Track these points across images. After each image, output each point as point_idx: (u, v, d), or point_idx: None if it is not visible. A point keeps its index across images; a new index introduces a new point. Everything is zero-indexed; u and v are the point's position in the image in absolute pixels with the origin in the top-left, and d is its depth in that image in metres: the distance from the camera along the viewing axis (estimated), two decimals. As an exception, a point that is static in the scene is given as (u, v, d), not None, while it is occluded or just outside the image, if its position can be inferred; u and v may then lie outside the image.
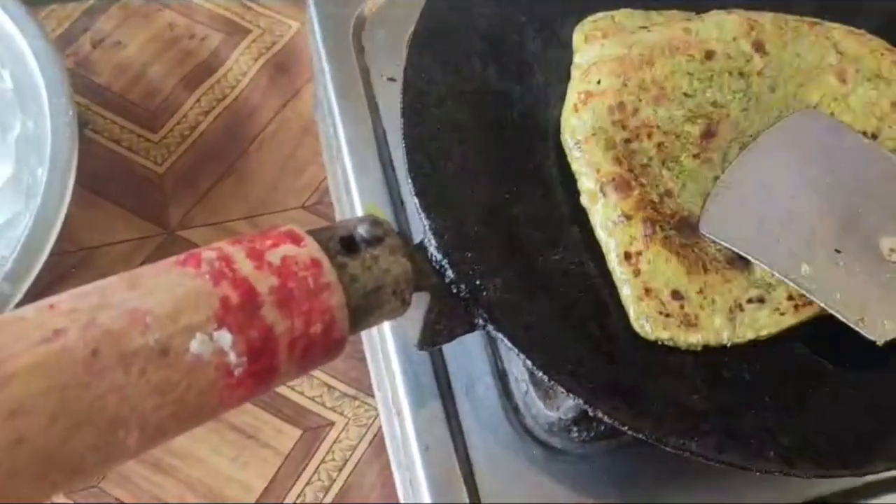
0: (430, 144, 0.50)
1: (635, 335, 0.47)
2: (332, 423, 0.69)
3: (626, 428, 0.44)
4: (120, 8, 0.87)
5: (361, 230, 0.35)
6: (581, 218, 0.50)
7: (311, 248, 0.33)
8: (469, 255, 0.47)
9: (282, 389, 0.70)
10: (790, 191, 0.49)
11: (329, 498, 0.66)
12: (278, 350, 0.31)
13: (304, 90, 0.84)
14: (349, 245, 0.35)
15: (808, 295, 0.46)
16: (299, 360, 0.32)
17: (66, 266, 0.74)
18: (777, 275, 0.47)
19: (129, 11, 0.87)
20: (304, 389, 0.70)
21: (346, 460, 0.68)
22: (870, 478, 0.48)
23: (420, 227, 0.48)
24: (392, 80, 0.61)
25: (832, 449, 0.44)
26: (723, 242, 0.48)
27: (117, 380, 0.27)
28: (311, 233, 0.34)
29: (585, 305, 0.48)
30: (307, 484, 0.67)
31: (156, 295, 0.29)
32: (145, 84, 0.84)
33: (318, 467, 0.67)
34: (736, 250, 0.48)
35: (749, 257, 0.47)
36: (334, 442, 0.68)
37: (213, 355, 0.29)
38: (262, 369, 0.31)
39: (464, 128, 0.51)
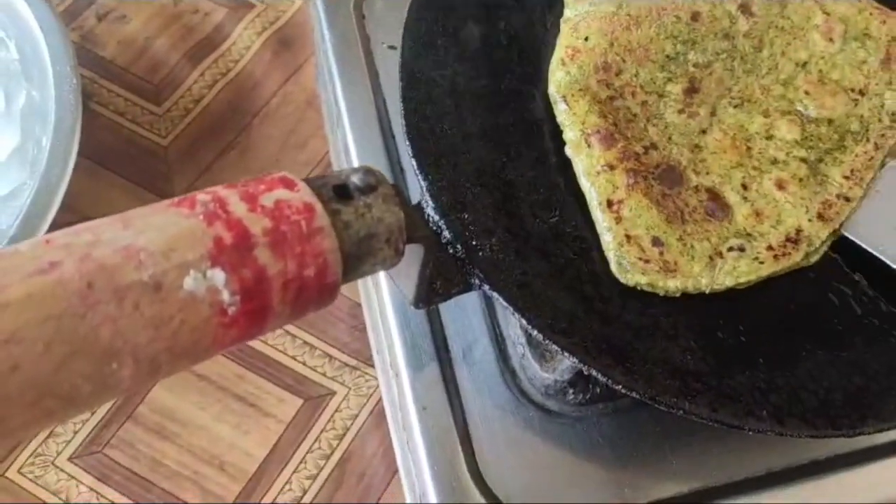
0: (427, 108, 0.50)
1: (629, 295, 0.48)
2: (333, 393, 0.69)
3: (620, 386, 0.44)
4: (125, -18, 0.88)
5: (355, 178, 0.35)
6: (575, 182, 0.51)
7: (304, 193, 0.33)
8: (465, 216, 0.47)
9: (284, 359, 0.70)
10: None
11: (329, 466, 0.67)
12: (271, 291, 0.32)
13: (308, 65, 0.84)
14: (343, 192, 0.35)
15: None
16: (293, 303, 0.33)
17: (70, 236, 0.74)
18: None
19: (134, -15, 0.88)
20: (305, 360, 0.71)
21: (347, 429, 0.68)
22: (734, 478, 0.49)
23: (418, 191, 0.48)
24: (392, 48, 0.61)
25: (824, 409, 0.45)
26: (870, 249, 0.49)
27: (111, 312, 0.28)
28: (306, 180, 0.35)
29: (579, 267, 0.48)
30: (308, 452, 0.67)
31: (149, 233, 0.30)
32: (149, 58, 0.84)
33: (318, 436, 0.68)
34: (884, 259, 0.48)
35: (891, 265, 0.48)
36: (335, 411, 0.69)
37: (207, 293, 0.30)
38: (255, 309, 0.31)
39: (461, 92, 0.51)
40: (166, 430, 0.67)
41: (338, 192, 0.35)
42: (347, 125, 0.59)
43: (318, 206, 0.33)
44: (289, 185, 0.33)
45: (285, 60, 0.85)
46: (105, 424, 0.66)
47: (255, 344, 0.70)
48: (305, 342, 0.71)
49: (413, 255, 0.42)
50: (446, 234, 0.46)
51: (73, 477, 0.65)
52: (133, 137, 0.80)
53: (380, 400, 0.68)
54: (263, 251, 0.31)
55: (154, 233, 0.30)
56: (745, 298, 0.48)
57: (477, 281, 0.46)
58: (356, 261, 0.35)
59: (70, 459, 0.65)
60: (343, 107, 0.60)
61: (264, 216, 0.32)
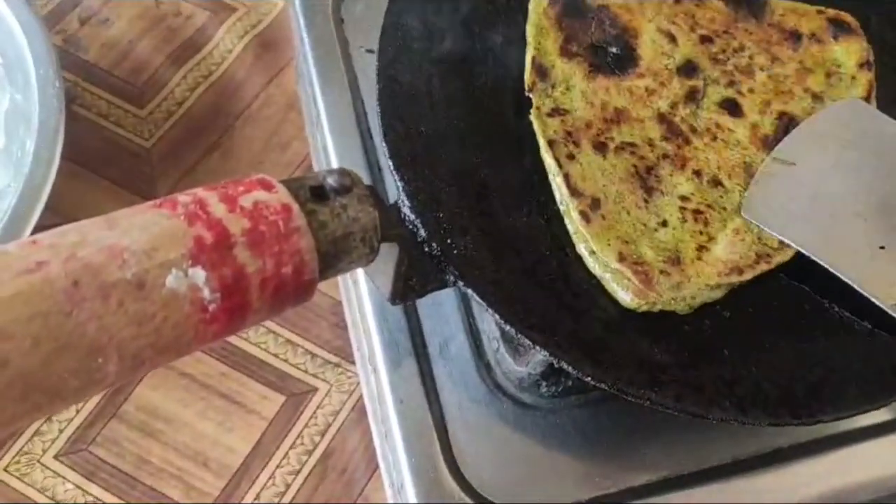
0: (403, 110, 0.52)
1: (599, 291, 0.49)
2: (315, 390, 0.71)
3: (589, 378, 0.46)
4: (108, -14, 0.89)
5: (331, 180, 0.37)
6: (548, 182, 0.52)
7: (281, 195, 0.35)
8: (440, 214, 0.49)
9: (267, 357, 0.72)
10: (832, 178, 0.50)
11: (312, 461, 0.68)
12: (250, 288, 0.33)
13: (289, 67, 0.85)
14: (319, 193, 0.37)
15: (849, 281, 0.46)
16: (271, 299, 0.34)
17: (54, 237, 0.75)
18: (817, 260, 0.47)
19: (117, -11, 0.89)
20: (288, 357, 0.72)
21: (329, 425, 0.70)
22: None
23: (395, 191, 0.50)
24: (370, 51, 0.62)
25: (784, 399, 0.47)
26: (766, 229, 0.50)
27: (96, 309, 0.29)
28: (283, 182, 0.36)
29: (551, 263, 0.50)
30: (291, 448, 0.69)
31: (132, 233, 0.31)
32: (132, 61, 0.85)
33: (301, 432, 0.69)
34: (778, 237, 0.49)
35: (792, 245, 0.49)
36: (317, 407, 0.70)
37: (188, 290, 0.31)
38: (235, 306, 0.33)
39: (436, 94, 0.53)
40: (151, 428, 0.68)
41: (314, 194, 0.36)
42: (326, 127, 0.61)
43: (295, 207, 0.35)
44: (267, 186, 0.35)
45: (267, 63, 0.86)
46: (90, 423, 0.67)
47: (238, 342, 0.72)
48: (288, 340, 0.72)
49: (388, 253, 0.44)
50: (422, 232, 0.48)
51: (58, 475, 0.66)
52: (116, 140, 0.81)
53: (361, 396, 0.70)
54: (242, 250, 0.33)
55: (137, 233, 0.31)
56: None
57: (452, 278, 0.47)
58: (333, 259, 0.37)
59: (56, 457, 0.66)
60: (322, 109, 0.61)
61: (243, 217, 0.33)
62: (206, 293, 0.32)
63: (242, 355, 0.71)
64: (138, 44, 0.86)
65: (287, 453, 0.68)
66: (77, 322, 0.29)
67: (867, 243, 0.46)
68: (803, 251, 0.48)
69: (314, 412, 0.70)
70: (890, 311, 0.45)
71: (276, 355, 0.72)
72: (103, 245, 0.30)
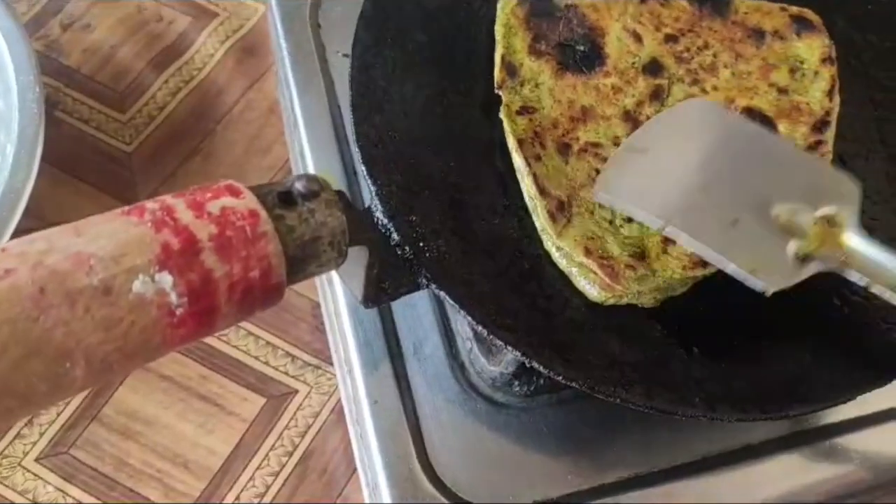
0: (376, 116, 0.53)
1: (571, 292, 0.50)
2: (295, 391, 0.71)
3: (560, 378, 0.46)
4: (90, -9, 0.89)
5: (299, 185, 0.38)
6: (519, 186, 0.53)
7: (248, 200, 0.35)
8: (413, 218, 0.50)
9: (247, 359, 0.72)
10: (683, 162, 0.51)
11: (292, 462, 0.69)
12: (218, 292, 0.34)
13: (270, 72, 0.86)
14: (287, 199, 0.37)
15: (702, 253, 0.48)
16: (239, 303, 0.35)
17: (35, 242, 0.76)
18: (672, 234, 0.48)
19: (99, -6, 0.89)
20: (268, 359, 0.73)
21: (309, 426, 0.70)
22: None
23: (369, 196, 0.50)
24: (347, 56, 0.63)
25: (753, 395, 0.47)
26: (620, 206, 0.50)
27: (63, 315, 0.30)
28: (251, 188, 0.37)
29: (523, 264, 0.51)
30: (271, 449, 0.69)
31: (100, 240, 0.32)
32: (114, 66, 0.86)
33: (281, 433, 0.70)
34: (632, 212, 0.50)
35: (646, 218, 0.49)
36: (297, 409, 0.71)
37: (155, 295, 0.32)
38: (202, 310, 0.33)
39: (408, 99, 0.54)
40: (131, 431, 0.68)
41: (282, 199, 0.37)
42: (303, 131, 0.61)
43: (263, 213, 0.35)
44: (234, 192, 0.36)
45: (248, 68, 0.87)
46: (71, 425, 0.68)
47: (218, 344, 0.72)
48: (268, 342, 0.73)
49: (360, 257, 0.44)
50: (395, 236, 0.49)
51: (39, 477, 0.66)
52: (98, 144, 0.82)
53: (341, 398, 0.70)
54: (209, 255, 0.33)
55: (105, 240, 0.32)
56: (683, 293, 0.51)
57: (424, 281, 0.48)
58: (301, 263, 0.37)
59: (37, 460, 0.67)
60: (299, 113, 0.62)
61: (210, 222, 0.34)
62: (174, 298, 0.32)
63: (222, 357, 0.72)
64: (120, 49, 0.86)
65: (267, 455, 0.69)
66: (44, 328, 0.29)
67: (721, 218, 0.48)
68: (660, 222, 0.48)
69: (294, 414, 0.71)
70: (745, 277, 0.46)
71: (256, 357, 0.73)
72: (70, 252, 0.31)
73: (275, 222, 0.36)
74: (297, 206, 0.37)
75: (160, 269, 0.32)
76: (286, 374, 0.72)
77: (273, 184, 0.38)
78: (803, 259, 0.47)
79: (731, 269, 0.46)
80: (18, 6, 0.87)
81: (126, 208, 0.34)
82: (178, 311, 0.33)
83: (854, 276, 0.46)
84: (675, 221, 0.47)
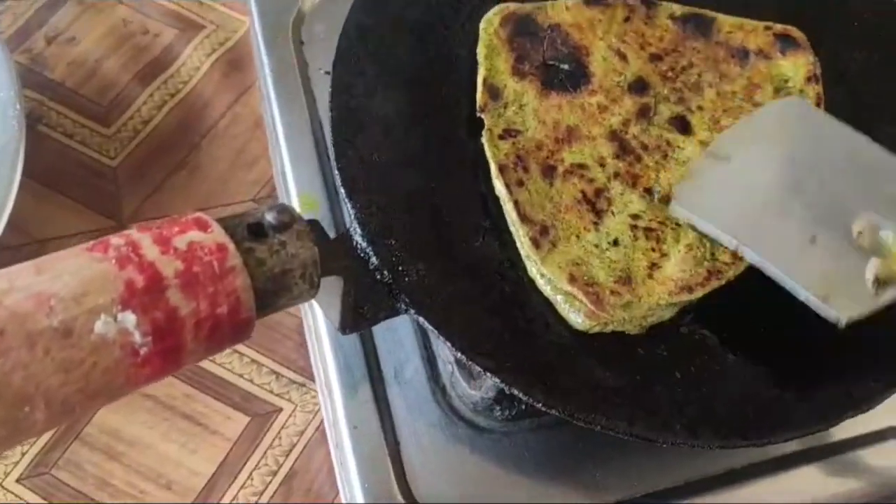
0: (357, 137, 0.52)
1: (552, 315, 0.50)
2: (279, 410, 0.71)
3: (540, 405, 0.46)
4: (75, 4, 0.88)
5: (269, 217, 0.37)
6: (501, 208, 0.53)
7: (216, 234, 0.35)
8: (393, 242, 0.49)
9: (231, 377, 0.72)
10: (765, 172, 0.49)
11: (276, 482, 0.68)
12: (184, 330, 0.33)
13: (256, 86, 0.85)
14: (257, 231, 0.37)
15: (774, 276, 0.45)
16: (206, 340, 0.34)
17: (18, 259, 0.74)
18: (747, 251, 0.46)
19: (84, 7, 0.88)
20: (252, 377, 0.72)
21: (294, 445, 0.70)
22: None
23: (348, 218, 0.50)
24: (329, 73, 0.62)
25: (735, 421, 0.47)
26: (696, 219, 0.48)
27: (22, 358, 0.29)
28: (220, 220, 0.36)
29: (504, 288, 0.50)
30: (255, 469, 0.69)
31: (62, 278, 0.31)
32: (99, 79, 0.85)
33: (265, 452, 0.69)
34: (707, 227, 0.48)
35: (721, 237, 0.47)
36: (282, 428, 0.70)
37: (118, 335, 0.31)
38: (168, 349, 0.33)
39: (389, 119, 0.53)
40: (113, 451, 0.68)
41: (252, 231, 0.37)
42: (284, 149, 0.61)
43: (231, 246, 0.35)
44: (203, 226, 0.35)
45: (234, 81, 0.86)
46: (53, 446, 0.67)
47: (203, 363, 0.72)
48: (253, 360, 0.72)
49: (336, 286, 0.44)
50: (374, 260, 0.48)
51: (20, 498, 0.65)
52: (82, 159, 0.81)
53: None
54: (175, 293, 0.33)
55: (67, 277, 0.31)
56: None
57: (403, 306, 0.48)
58: (271, 296, 0.37)
59: (18, 481, 0.66)
60: (280, 131, 0.61)
61: (177, 258, 0.33)
62: (137, 337, 0.32)
63: (207, 376, 0.71)
64: (105, 62, 0.85)
65: (251, 474, 0.68)
66: (2, 371, 0.29)
67: (798, 235, 0.45)
68: (734, 241, 0.46)
69: (278, 432, 0.70)
70: (818, 305, 0.43)
71: (240, 375, 0.72)
72: (31, 292, 0.30)
73: (244, 256, 0.35)
74: (268, 238, 0.37)
75: (123, 309, 0.31)
76: (271, 392, 0.71)
77: (243, 214, 0.37)
78: (882, 283, 0.43)
79: (802, 295, 0.43)
80: (2, 19, 0.86)
81: (91, 243, 0.33)
82: (143, 351, 0.32)
83: None
84: (748, 241, 0.45)
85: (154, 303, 0.32)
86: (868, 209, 0.46)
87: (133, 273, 0.32)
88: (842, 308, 0.43)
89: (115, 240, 0.33)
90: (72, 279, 0.31)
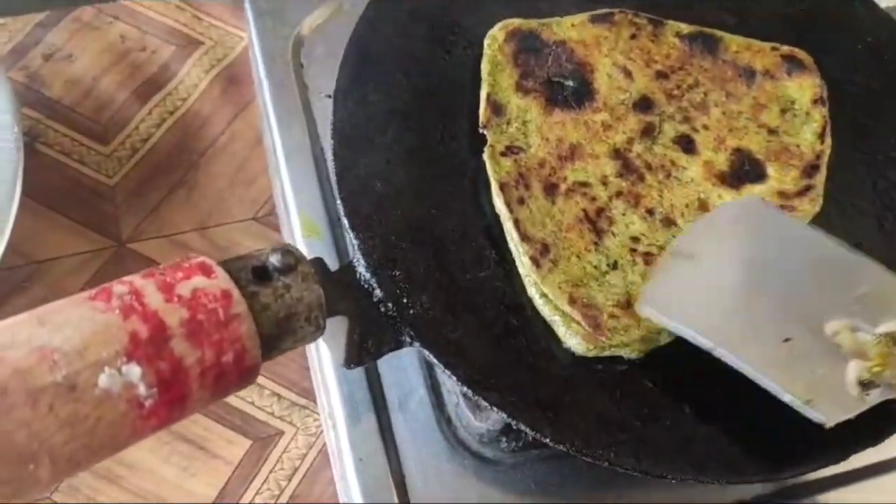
0: (359, 166, 0.52)
1: (558, 347, 0.49)
2: (281, 433, 0.70)
3: (548, 440, 0.45)
4: (71, 21, 0.88)
5: (274, 259, 0.37)
6: (504, 236, 0.52)
7: (221, 280, 0.34)
8: (396, 273, 0.48)
9: (232, 400, 0.71)
10: (733, 272, 0.48)
11: (279, 506, 0.68)
12: (189, 380, 0.33)
13: (255, 102, 0.85)
14: (262, 274, 0.36)
15: (755, 379, 0.44)
16: (212, 388, 0.34)
17: (16, 280, 0.74)
18: (723, 356, 0.45)
19: (81, 24, 0.88)
20: (254, 399, 0.71)
21: (296, 469, 0.69)
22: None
23: (351, 249, 0.49)
24: (330, 97, 0.62)
25: (744, 456, 0.47)
26: (666, 321, 0.47)
27: (26, 416, 0.28)
28: (224, 263, 0.36)
29: (510, 318, 0.50)
30: (257, 493, 0.68)
31: (64, 331, 0.30)
32: (96, 97, 0.84)
33: (267, 476, 0.69)
34: (679, 329, 0.47)
35: (695, 338, 0.46)
36: (283, 451, 0.70)
37: (123, 389, 0.31)
38: (173, 399, 0.32)
39: (392, 148, 0.52)
40: (112, 474, 0.67)
41: (257, 274, 0.36)
42: (285, 173, 0.60)
43: (236, 293, 0.34)
44: (207, 272, 0.34)
45: (233, 98, 0.85)
46: (52, 472, 0.67)
47: (203, 385, 0.71)
48: (256, 382, 0.72)
49: (341, 324, 0.43)
50: (378, 292, 0.47)
51: (20, 525, 0.65)
52: (80, 178, 0.80)
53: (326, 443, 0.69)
54: (180, 342, 0.32)
55: (70, 330, 0.31)
56: (671, 345, 0.50)
57: (408, 339, 0.47)
58: (276, 340, 0.36)
59: (18, 508, 0.65)
60: (281, 155, 0.61)
61: (181, 306, 0.33)
62: (142, 389, 0.31)
63: (208, 399, 0.70)
64: (102, 80, 0.85)
65: (253, 499, 0.68)
66: (5, 431, 0.28)
67: (773, 336, 0.44)
68: (709, 343, 0.45)
69: (280, 456, 0.69)
70: (802, 409, 0.42)
71: (241, 397, 0.71)
72: (33, 346, 0.30)
73: (249, 300, 0.35)
74: (273, 281, 0.36)
75: (128, 361, 0.31)
76: (272, 414, 0.71)
77: (248, 256, 0.37)
78: (866, 384, 0.42)
79: (786, 399, 0.43)
80: (-1, 36, 0.85)
81: (93, 291, 0.33)
82: (148, 403, 0.32)
83: None
84: (723, 343, 0.44)
85: (159, 353, 0.32)
86: (840, 311, 0.45)
87: (137, 323, 0.32)
88: (828, 414, 0.42)
89: (118, 287, 0.33)
90: (74, 332, 0.31)
